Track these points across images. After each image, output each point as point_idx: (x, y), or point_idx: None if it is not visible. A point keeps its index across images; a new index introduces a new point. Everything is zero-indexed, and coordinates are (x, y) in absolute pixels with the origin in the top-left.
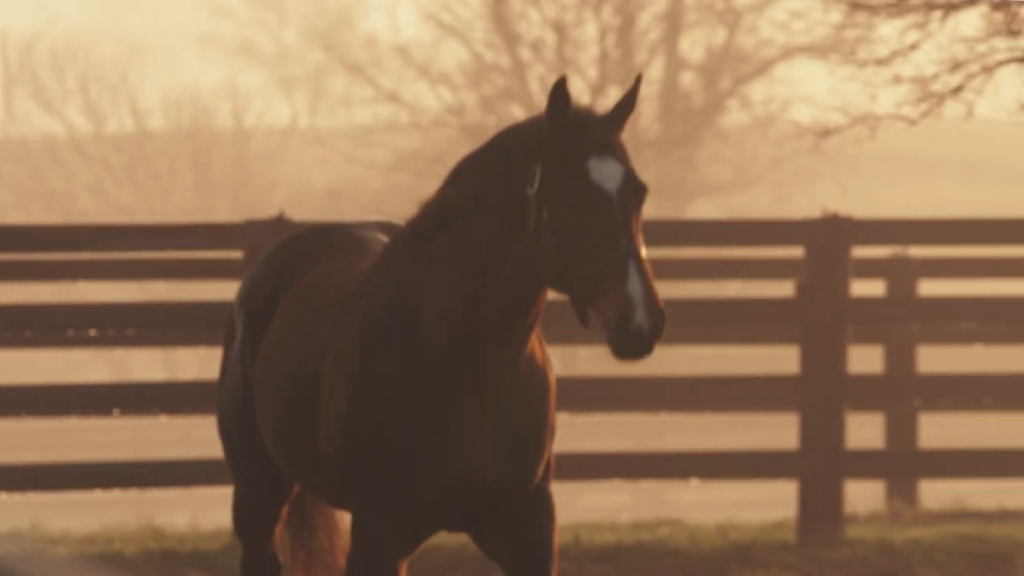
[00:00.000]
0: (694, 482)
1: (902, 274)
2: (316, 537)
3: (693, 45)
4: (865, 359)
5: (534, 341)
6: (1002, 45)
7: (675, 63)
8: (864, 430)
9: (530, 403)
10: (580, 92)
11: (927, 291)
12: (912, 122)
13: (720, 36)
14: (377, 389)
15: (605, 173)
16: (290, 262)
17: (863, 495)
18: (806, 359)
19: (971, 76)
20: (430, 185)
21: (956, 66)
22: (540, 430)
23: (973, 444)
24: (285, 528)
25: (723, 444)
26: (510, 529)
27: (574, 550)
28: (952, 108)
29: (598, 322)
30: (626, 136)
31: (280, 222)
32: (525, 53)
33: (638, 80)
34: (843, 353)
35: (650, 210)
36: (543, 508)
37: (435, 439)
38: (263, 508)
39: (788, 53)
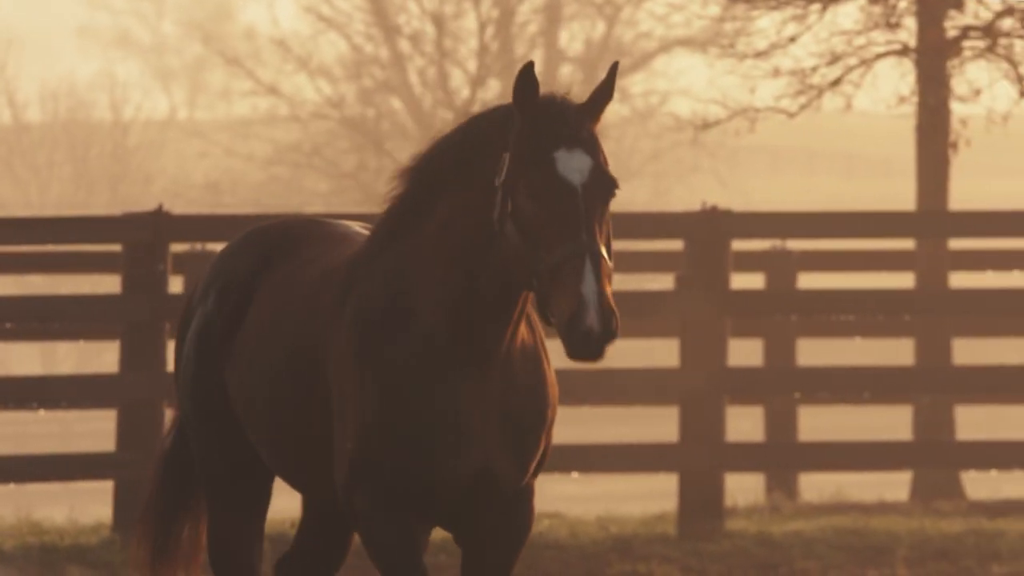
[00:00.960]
0: (574, 475)
1: (781, 267)
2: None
3: (572, 38)
4: (744, 352)
5: (530, 338)
6: (880, 38)
7: (554, 56)
8: (744, 423)
9: (530, 397)
10: (460, 85)
11: (806, 284)
12: (791, 115)
13: (599, 29)
14: (384, 386)
15: (571, 165)
16: (267, 250)
17: (743, 488)
18: (686, 352)
19: (850, 69)
20: (309, 177)
21: (834, 59)
22: (539, 427)
23: (852, 437)
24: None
25: (603, 437)
26: (490, 521)
27: (454, 544)
28: (831, 101)
29: (555, 322)
30: None
31: (159, 215)
32: (404, 45)
33: (614, 67)
34: (723, 346)
35: None
36: (525, 503)
37: (450, 433)
38: (240, 517)
39: (667, 46)
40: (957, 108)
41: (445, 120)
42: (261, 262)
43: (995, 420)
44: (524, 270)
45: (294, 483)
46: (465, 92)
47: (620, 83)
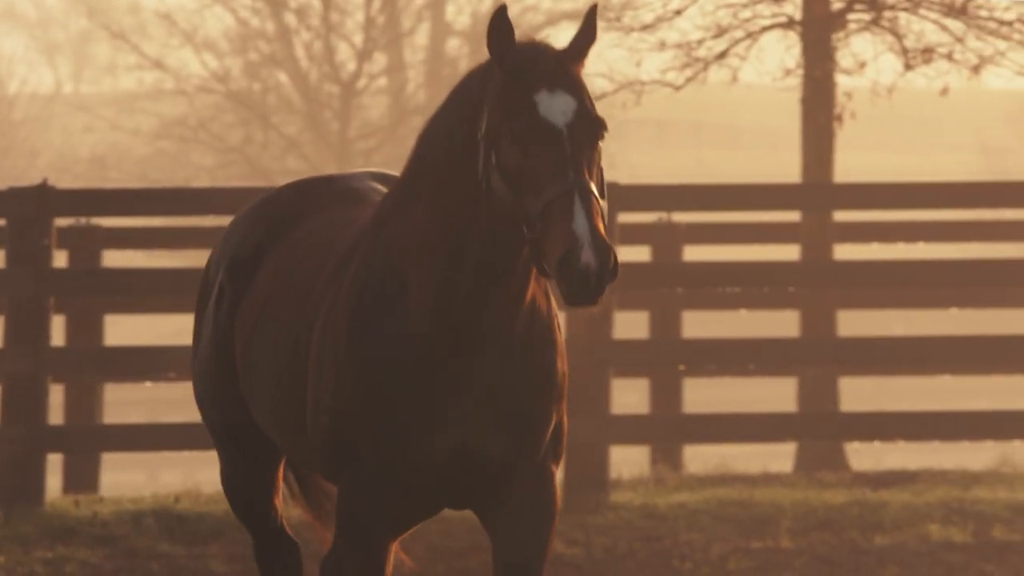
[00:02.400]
0: None
1: (667, 240)
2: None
3: (459, 11)
4: (630, 324)
5: (538, 303)
6: (766, 11)
7: (441, 29)
8: (629, 395)
9: (530, 370)
10: (346, 59)
11: (692, 256)
12: (677, 88)
13: (486, 2)
14: (363, 363)
15: (554, 107)
16: (279, 216)
17: (628, 460)
18: (572, 324)
19: (735, 42)
20: (196, 151)
21: (720, 32)
22: (542, 398)
23: (737, 409)
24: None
25: None
26: (506, 508)
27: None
28: (717, 74)
29: (549, 267)
30: (392, 103)
31: (42, 189)
32: (291, 19)
33: (592, 10)
34: (609, 318)
35: None
36: (542, 489)
37: (423, 412)
38: (254, 478)
39: (554, 19)
40: (842, 81)
41: (331, 94)
42: (271, 229)
43: (879, 391)
44: (515, 222)
45: (292, 453)
46: (351, 66)
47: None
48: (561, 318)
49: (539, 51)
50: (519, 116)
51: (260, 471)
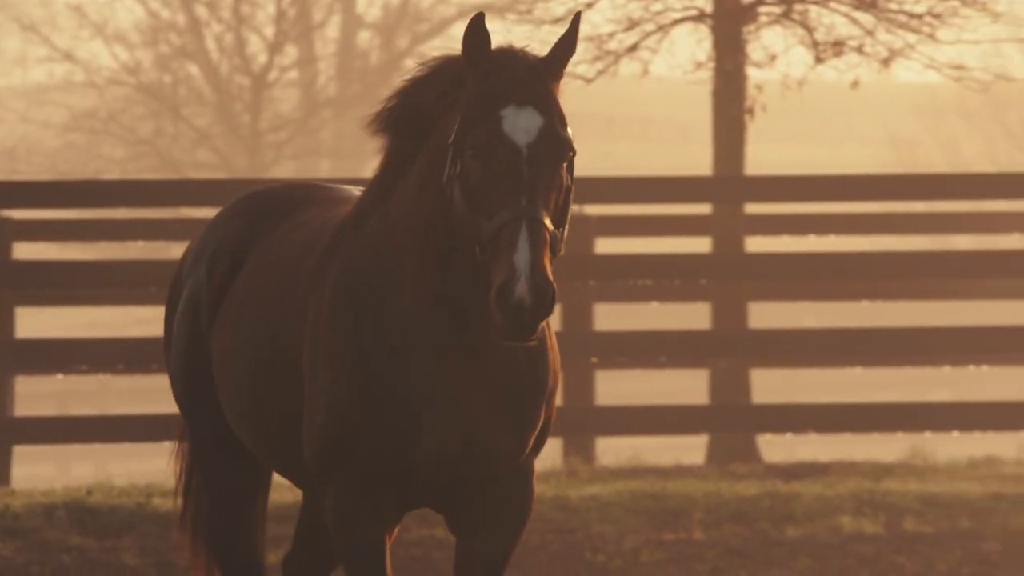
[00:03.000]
0: None
1: (578, 232)
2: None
3: (370, 3)
4: None
5: None
6: (677, 4)
7: (352, 21)
8: None
9: (529, 365)
10: (257, 51)
11: (603, 249)
12: (588, 80)
13: None
14: (360, 356)
15: (518, 124)
16: (260, 215)
17: (540, 453)
18: None
19: (647, 35)
20: (106, 144)
21: (632, 25)
22: (538, 396)
23: (649, 401)
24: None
25: None
26: (485, 503)
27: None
28: (628, 66)
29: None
30: (303, 96)
31: None
32: (201, 11)
33: (576, 18)
34: None
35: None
36: (523, 485)
37: (428, 406)
38: (235, 501)
39: (465, 12)
40: (753, 74)
41: (242, 86)
42: (251, 228)
43: (790, 383)
44: (469, 239)
45: (271, 463)
46: (262, 58)
47: (418, 49)
48: None
49: (514, 61)
50: (482, 130)
51: (242, 492)
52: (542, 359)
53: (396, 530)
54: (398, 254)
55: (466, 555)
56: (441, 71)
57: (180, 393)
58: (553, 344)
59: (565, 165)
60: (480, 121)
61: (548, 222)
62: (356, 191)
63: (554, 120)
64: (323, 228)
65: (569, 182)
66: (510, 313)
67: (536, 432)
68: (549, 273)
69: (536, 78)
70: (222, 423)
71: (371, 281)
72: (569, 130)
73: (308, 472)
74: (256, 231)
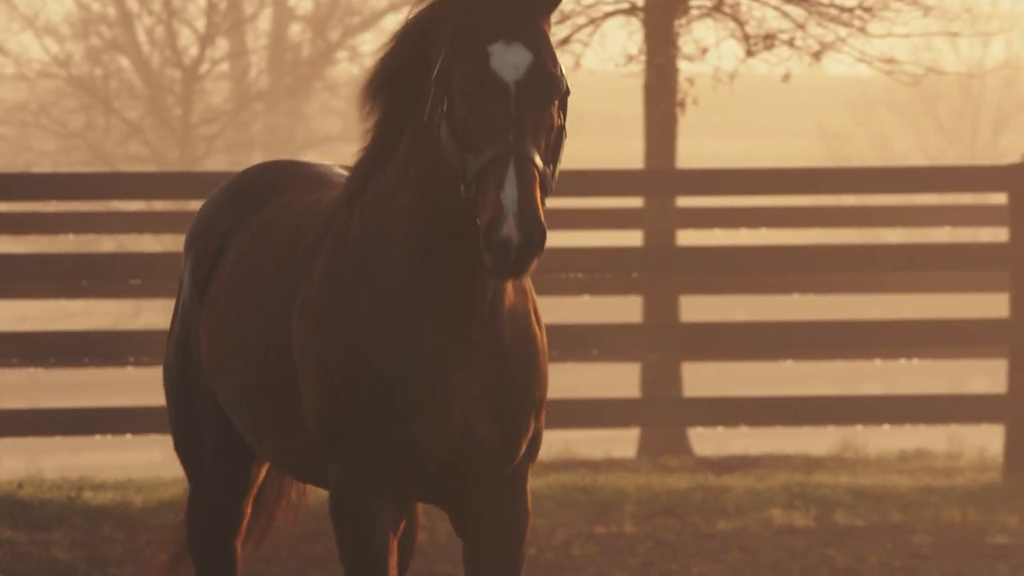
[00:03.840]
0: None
1: None
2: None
3: None
4: None
5: (522, 304)
6: None
7: (284, 14)
8: None
9: (520, 368)
10: (188, 44)
11: None
12: None
13: None
14: (351, 338)
15: (507, 60)
16: (246, 197)
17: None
18: None
19: (578, 28)
20: (37, 137)
21: (563, 18)
22: (529, 395)
23: (580, 394)
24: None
25: None
26: (480, 512)
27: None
28: (560, 59)
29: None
30: (234, 89)
31: None
32: (132, 4)
33: None
34: None
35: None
36: (519, 492)
37: (428, 389)
38: (219, 498)
39: (396, 4)
40: (684, 67)
41: (173, 79)
42: (236, 213)
43: (721, 377)
44: (456, 180)
45: (266, 452)
46: (194, 50)
47: (349, 42)
48: None
49: None
50: (469, 65)
51: (226, 487)
52: (533, 365)
53: (401, 527)
54: (389, 227)
55: (474, 560)
56: (416, 26)
57: (171, 383)
58: (543, 349)
59: (557, 103)
60: (466, 57)
61: (538, 160)
62: (339, 169)
63: (544, 57)
64: (311, 212)
65: (562, 121)
66: (497, 252)
67: (528, 434)
68: (539, 211)
69: (526, 15)
70: (212, 416)
71: (361, 261)
72: (561, 68)
73: (304, 463)
74: (239, 216)
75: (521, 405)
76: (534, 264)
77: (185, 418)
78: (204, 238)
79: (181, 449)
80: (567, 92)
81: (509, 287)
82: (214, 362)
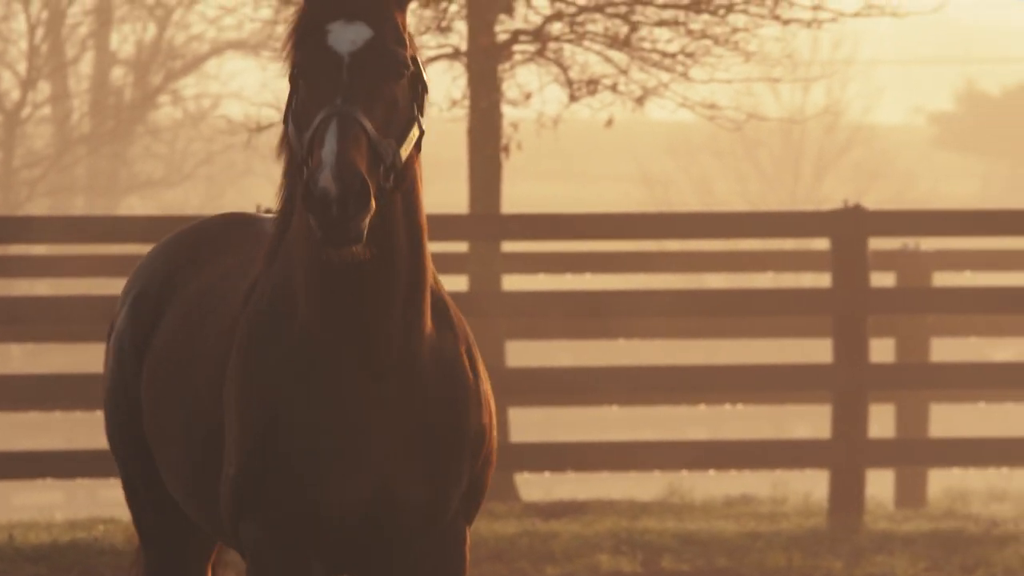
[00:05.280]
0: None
1: None
2: None
3: (123, 40)
4: None
5: (451, 344)
6: (432, 42)
7: (106, 58)
8: None
9: (446, 412)
10: (10, 87)
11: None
12: None
13: (151, 31)
14: (259, 399)
15: (344, 36)
16: (182, 259)
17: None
18: None
19: None
20: None
21: None
22: (458, 442)
23: None
24: None
25: None
26: (411, 568)
27: (8, 549)
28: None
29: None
30: (56, 132)
31: None
32: None
33: None
34: None
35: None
36: (452, 559)
37: (335, 445)
38: (172, 561)
39: (219, 48)
40: (508, 111)
41: None
42: (174, 272)
43: (547, 422)
44: (297, 168)
45: (205, 525)
46: (15, 94)
47: (171, 86)
48: None
49: None
50: (307, 46)
51: (173, 548)
52: (462, 408)
53: None
54: (294, 272)
55: None
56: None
57: (111, 436)
58: (481, 396)
59: (401, 84)
60: (306, 38)
61: (367, 124)
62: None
63: (386, 34)
64: (243, 276)
65: (415, 113)
66: (316, 207)
67: (458, 488)
68: (360, 164)
69: (374, 1)
70: (157, 479)
71: (272, 316)
72: (417, 57)
73: (226, 528)
74: (177, 276)
75: (448, 453)
76: (363, 224)
77: (127, 478)
78: (139, 295)
79: (129, 505)
80: (424, 87)
81: (426, 323)
82: (154, 431)
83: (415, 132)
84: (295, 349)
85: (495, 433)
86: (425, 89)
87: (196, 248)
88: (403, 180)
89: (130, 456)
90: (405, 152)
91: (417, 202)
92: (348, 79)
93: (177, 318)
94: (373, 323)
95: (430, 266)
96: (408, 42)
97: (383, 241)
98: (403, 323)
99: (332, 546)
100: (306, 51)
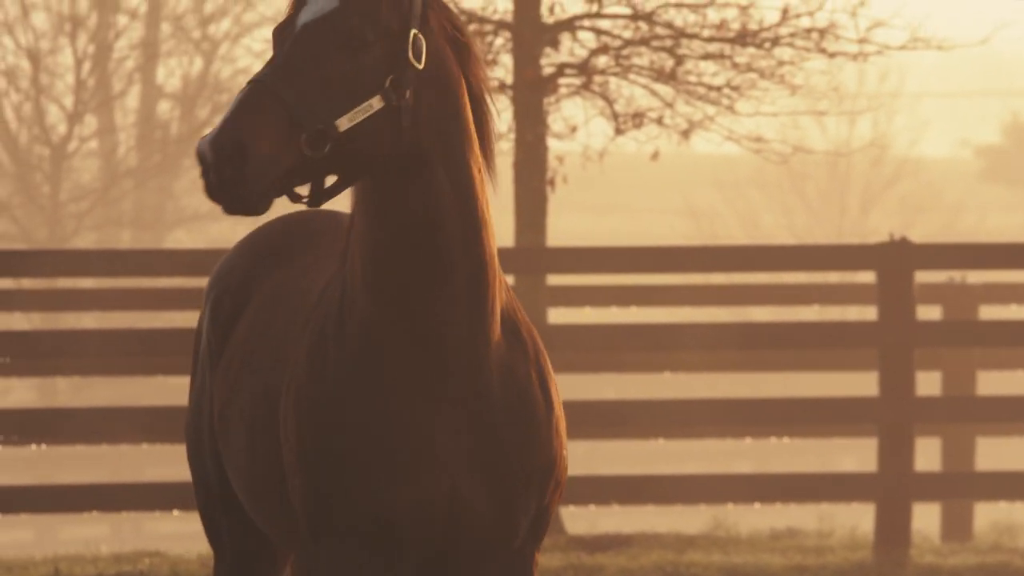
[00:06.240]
0: (176, 513)
1: None
2: None
3: (170, 74)
4: None
5: (521, 356)
6: None
7: (152, 92)
8: None
9: (514, 426)
10: (56, 121)
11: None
12: None
13: (197, 65)
14: (318, 400)
15: (311, 8)
16: (263, 255)
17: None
18: None
19: None
20: None
21: None
22: (526, 463)
23: None
24: None
25: None
26: None
27: None
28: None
29: None
30: (103, 166)
31: None
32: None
33: None
34: None
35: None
36: (521, 573)
37: (403, 447)
38: (239, 559)
39: None
40: (554, 145)
41: (42, 156)
42: (254, 268)
43: (593, 455)
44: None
45: (270, 530)
46: (62, 128)
47: (218, 119)
48: None
49: None
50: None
51: (243, 557)
52: (533, 429)
53: None
54: (356, 274)
55: None
56: None
57: (187, 438)
58: (553, 421)
59: (370, 58)
60: (286, 21)
61: (285, 92)
62: None
63: (351, 10)
64: (317, 276)
65: (383, 84)
66: (200, 170)
67: (527, 512)
68: (240, 126)
69: None
70: (224, 480)
71: (338, 316)
72: (394, 26)
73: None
74: (258, 273)
75: (517, 473)
76: (256, 190)
77: (200, 480)
78: (219, 296)
79: (201, 513)
80: (406, 67)
81: (494, 330)
82: (223, 431)
83: (374, 103)
84: (357, 355)
85: (566, 462)
86: (407, 70)
87: (277, 243)
88: (345, 149)
89: (199, 461)
90: (348, 122)
91: (473, 193)
92: (283, 51)
93: (253, 316)
94: (434, 321)
95: (498, 271)
96: (398, 10)
97: (428, 230)
98: (467, 324)
99: (405, 561)
100: (279, 26)
